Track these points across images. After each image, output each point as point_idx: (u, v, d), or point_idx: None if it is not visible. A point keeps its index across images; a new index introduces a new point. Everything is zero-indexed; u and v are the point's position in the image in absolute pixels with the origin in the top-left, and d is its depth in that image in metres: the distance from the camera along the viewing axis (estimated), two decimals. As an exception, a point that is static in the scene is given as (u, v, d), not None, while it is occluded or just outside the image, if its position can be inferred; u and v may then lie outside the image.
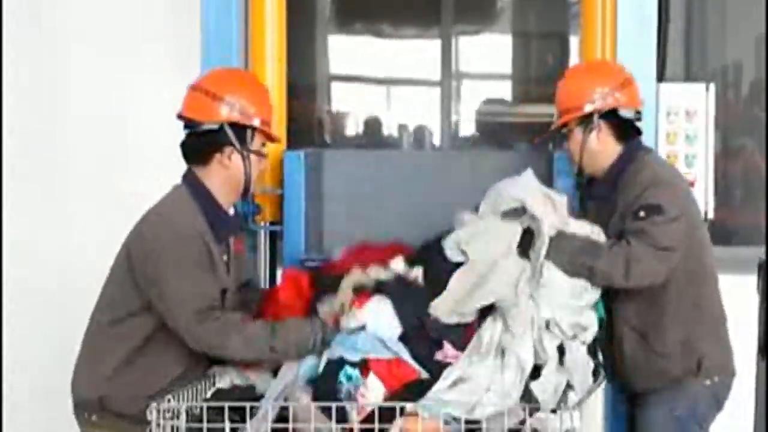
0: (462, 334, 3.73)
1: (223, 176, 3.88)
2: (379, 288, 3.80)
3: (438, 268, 3.87)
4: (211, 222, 3.85)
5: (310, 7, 8.02)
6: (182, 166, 4.01)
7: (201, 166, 3.89)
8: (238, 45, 4.62)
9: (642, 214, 4.04)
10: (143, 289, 3.80)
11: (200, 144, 3.87)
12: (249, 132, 3.88)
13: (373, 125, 8.55)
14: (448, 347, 3.73)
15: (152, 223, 3.84)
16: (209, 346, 3.74)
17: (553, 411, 3.62)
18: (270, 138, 3.98)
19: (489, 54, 8.51)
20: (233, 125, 3.85)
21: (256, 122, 3.89)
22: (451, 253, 3.89)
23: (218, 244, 3.86)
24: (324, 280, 3.99)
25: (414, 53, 8.45)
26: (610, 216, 4.15)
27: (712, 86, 4.63)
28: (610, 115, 4.21)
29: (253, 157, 3.89)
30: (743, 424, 5.09)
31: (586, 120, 4.21)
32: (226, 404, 3.60)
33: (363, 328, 3.71)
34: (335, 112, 8.55)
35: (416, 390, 3.61)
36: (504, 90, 8.66)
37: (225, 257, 3.92)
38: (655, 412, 4.21)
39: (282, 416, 3.56)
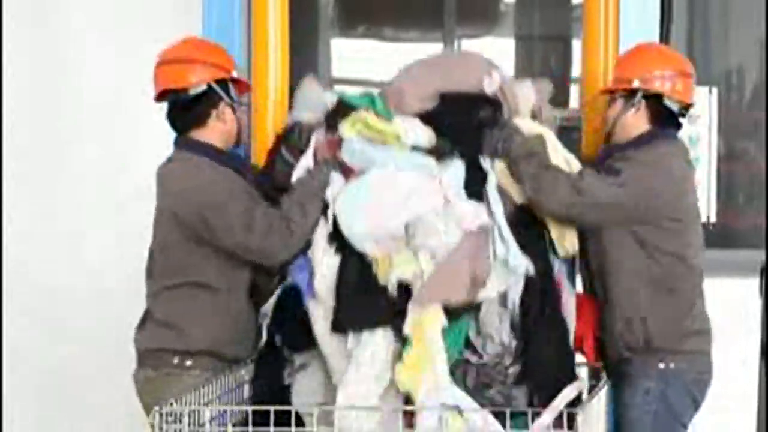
0: None
1: (220, 131, 4.16)
2: None
3: None
4: (233, 165, 4.13)
5: (312, 11, 8.01)
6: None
7: (198, 129, 4.15)
8: (240, 48, 4.62)
9: (599, 169, 4.09)
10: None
11: (195, 108, 4.13)
12: (231, 85, 4.16)
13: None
14: None
15: (192, 190, 4.02)
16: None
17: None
18: (245, 87, 4.27)
19: (492, 57, 8.50)
20: (217, 82, 4.12)
21: (235, 74, 4.19)
22: None
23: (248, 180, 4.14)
24: None
25: (416, 57, 8.44)
26: None
27: (715, 90, 4.62)
28: (653, 100, 4.22)
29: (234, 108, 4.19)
30: (747, 426, 5.09)
31: (630, 94, 4.23)
32: (229, 407, 3.60)
33: None
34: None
35: None
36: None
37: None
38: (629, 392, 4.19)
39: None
